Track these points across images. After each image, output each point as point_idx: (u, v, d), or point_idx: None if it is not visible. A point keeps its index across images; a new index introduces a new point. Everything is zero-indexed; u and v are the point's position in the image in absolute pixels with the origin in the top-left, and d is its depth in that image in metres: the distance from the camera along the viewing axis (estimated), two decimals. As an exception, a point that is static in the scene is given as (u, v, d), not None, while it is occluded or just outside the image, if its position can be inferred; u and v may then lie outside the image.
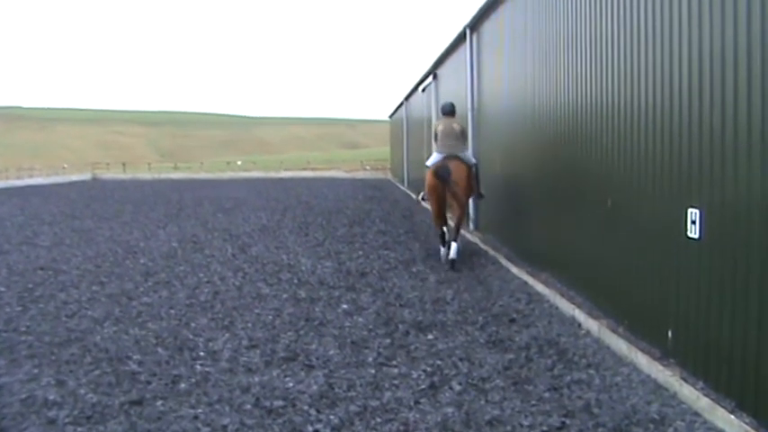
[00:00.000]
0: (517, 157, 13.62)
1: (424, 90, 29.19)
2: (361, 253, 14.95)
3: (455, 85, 20.60)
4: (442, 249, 14.13)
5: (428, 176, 13.48)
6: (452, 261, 13.04)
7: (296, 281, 12.18)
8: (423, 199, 15.01)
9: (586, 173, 9.71)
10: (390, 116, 53.95)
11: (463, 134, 13.96)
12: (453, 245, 13.28)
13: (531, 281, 11.55)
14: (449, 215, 14.42)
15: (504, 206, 14.72)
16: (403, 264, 13.60)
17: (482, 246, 15.34)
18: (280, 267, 13.43)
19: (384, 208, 26.12)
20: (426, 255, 14.57)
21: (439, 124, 14.01)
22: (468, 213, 17.61)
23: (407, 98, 37.81)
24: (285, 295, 11.10)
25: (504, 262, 13.25)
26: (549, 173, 11.50)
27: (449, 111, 14.16)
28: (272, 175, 67.12)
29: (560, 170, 10.93)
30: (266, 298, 10.92)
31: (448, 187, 13.27)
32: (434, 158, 13.87)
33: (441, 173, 13.19)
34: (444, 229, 14.21)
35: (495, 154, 15.55)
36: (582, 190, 9.94)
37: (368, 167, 72.64)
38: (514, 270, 12.50)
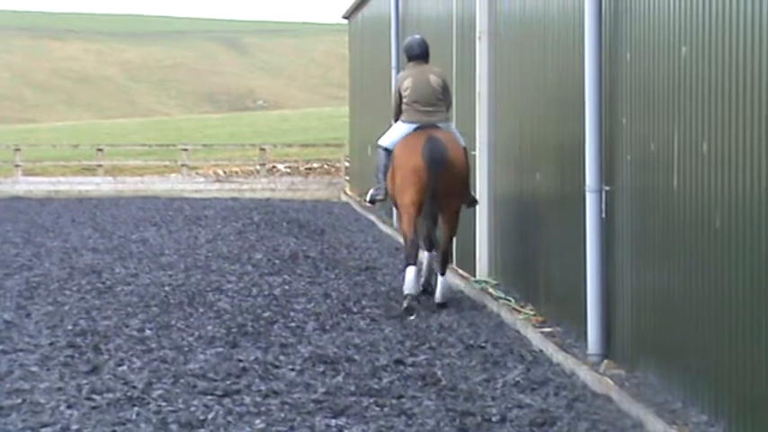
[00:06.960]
0: None
1: None
2: None
3: None
4: (411, 272, 8.39)
5: (402, 155, 8.52)
6: (440, 304, 8.61)
7: None
8: (372, 201, 9.41)
9: None
10: (347, 16, 20.94)
11: (446, 93, 8.89)
12: (440, 280, 8.70)
13: None
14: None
15: None
16: None
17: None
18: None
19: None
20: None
21: (405, 78, 8.90)
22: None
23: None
24: None
25: None
26: None
27: (419, 53, 8.99)
28: None
29: None
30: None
31: (440, 178, 8.30)
32: (398, 133, 8.85)
33: (434, 150, 8.32)
34: (419, 240, 8.76)
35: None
36: None
37: (288, 167, 24.45)
38: None
